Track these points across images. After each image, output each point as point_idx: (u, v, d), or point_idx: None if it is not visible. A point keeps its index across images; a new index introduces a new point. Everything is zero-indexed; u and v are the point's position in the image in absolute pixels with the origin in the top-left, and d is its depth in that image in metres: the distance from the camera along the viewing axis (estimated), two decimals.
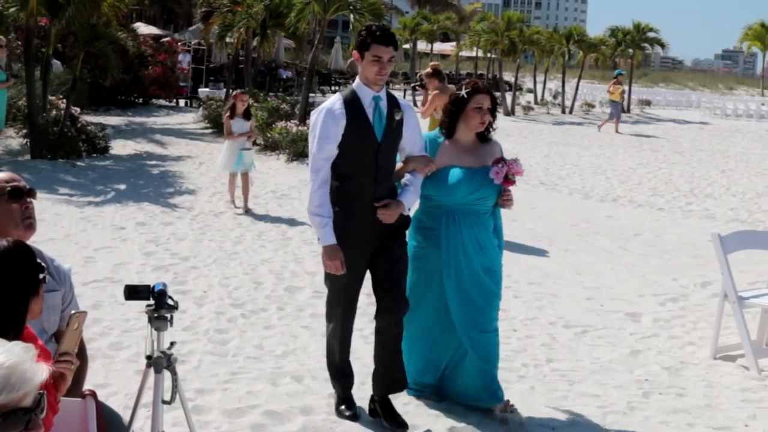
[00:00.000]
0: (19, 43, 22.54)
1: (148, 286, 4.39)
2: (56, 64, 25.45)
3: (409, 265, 6.41)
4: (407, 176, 6.32)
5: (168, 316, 4.37)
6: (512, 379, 7.32)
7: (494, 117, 6.59)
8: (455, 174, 6.38)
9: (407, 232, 6.45)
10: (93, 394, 4.08)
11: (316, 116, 6.09)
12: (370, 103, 6.06)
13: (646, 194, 17.98)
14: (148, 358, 4.33)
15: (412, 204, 6.33)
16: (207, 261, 10.92)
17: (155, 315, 4.36)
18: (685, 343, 8.49)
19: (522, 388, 7.17)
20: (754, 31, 62.92)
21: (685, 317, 9.36)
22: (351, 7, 20.02)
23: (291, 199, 15.43)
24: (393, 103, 6.16)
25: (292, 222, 13.48)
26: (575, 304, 9.74)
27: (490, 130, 6.64)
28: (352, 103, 6.03)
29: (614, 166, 22.58)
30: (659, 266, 11.71)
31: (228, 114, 14.46)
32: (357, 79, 6.12)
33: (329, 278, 6.31)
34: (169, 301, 4.39)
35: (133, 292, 4.41)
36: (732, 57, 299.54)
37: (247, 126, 14.58)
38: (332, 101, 6.09)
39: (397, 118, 6.12)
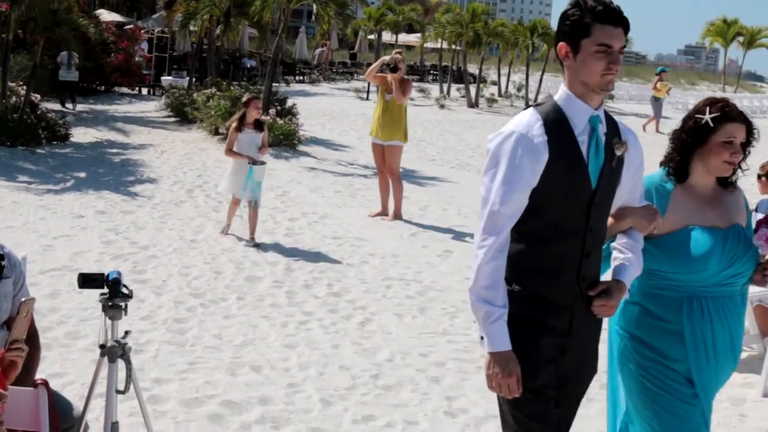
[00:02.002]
0: None
1: (103, 274, 4.32)
2: None
3: (626, 375, 4.57)
4: (621, 239, 4.11)
5: (122, 304, 4.30)
6: (471, 370, 7.32)
7: (746, 154, 4.47)
8: (701, 239, 4.31)
9: (614, 326, 4.57)
10: (45, 384, 4.02)
11: (498, 144, 3.84)
12: (585, 128, 3.89)
13: None
14: (102, 347, 4.26)
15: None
16: (167, 250, 10.83)
17: (109, 304, 4.29)
18: None
19: (481, 378, 7.09)
20: (716, 27, 63.24)
21: None
22: None
23: None
24: (612, 129, 3.98)
25: None
26: None
27: (738, 172, 4.52)
28: (558, 128, 3.84)
29: None
30: None
31: (235, 125, 11.72)
32: (562, 88, 3.93)
33: (510, 406, 4.00)
34: (124, 290, 4.31)
35: (87, 281, 4.34)
36: (695, 53, 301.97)
37: (257, 140, 11.71)
38: (526, 122, 3.85)
39: (619, 153, 3.94)
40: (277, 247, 11.28)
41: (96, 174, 16.11)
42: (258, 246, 11.22)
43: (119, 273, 4.36)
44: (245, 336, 7.90)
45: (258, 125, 11.77)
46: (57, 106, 24.92)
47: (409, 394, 6.79)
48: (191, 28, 30.08)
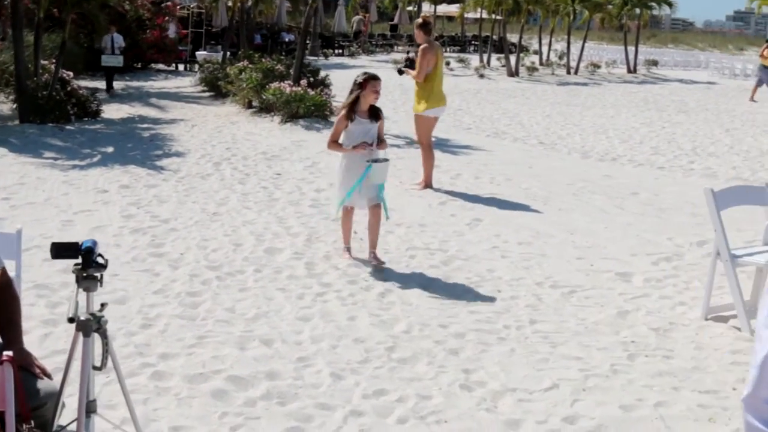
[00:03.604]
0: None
1: (76, 243, 4.05)
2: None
3: None
4: None
5: (97, 275, 4.02)
6: (492, 341, 7.01)
7: None
8: None
9: None
10: (11, 360, 3.76)
11: None
12: None
13: (647, 153, 17.56)
14: (71, 320, 3.99)
15: None
16: (188, 223, 10.59)
17: (83, 275, 4.01)
18: (676, 304, 8.14)
19: (501, 350, 6.84)
20: None
21: (678, 277, 9.01)
22: None
23: (281, 161, 15.05)
24: None
25: (279, 183, 13.12)
26: (565, 264, 9.39)
27: None
28: None
29: (617, 125, 22.14)
30: (655, 225, 11.34)
31: (345, 112, 9.18)
32: None
33: None
34: (99, 260, 4.03)
35: (60, 251, 4.07)
36: (744, 18, 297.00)
37: (372, 132, 9.13)
38: None
39: None
40: (301, 218, 11.00)
41: (123, 149, 15.91)
42: (381, 264, 9.07)
43: (94, 242, 4.08)
44: (259, 309, 7.62)
45: (374, 113, 9.20)
46: (91, 84, 24.74)
47: (425, 367, 6.48)
48: (228, 3, 29.82)
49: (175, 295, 7.94)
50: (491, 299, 8.12)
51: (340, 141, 9.17)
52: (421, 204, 12.06)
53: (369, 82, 9.14)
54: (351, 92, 9.22)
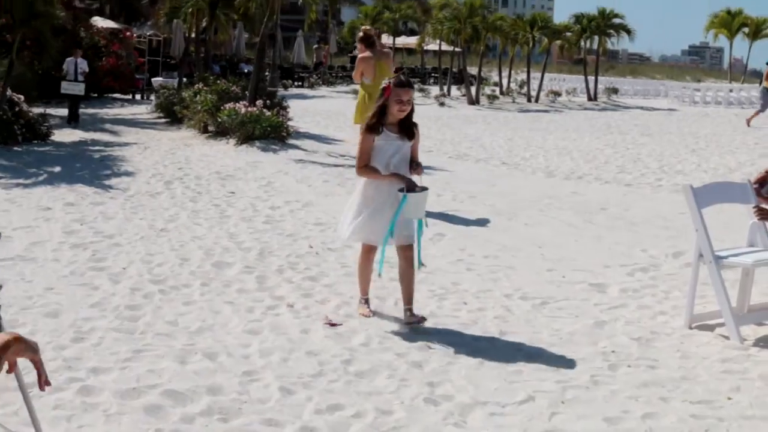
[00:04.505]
0: None
1: None
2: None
3: None
4: None
5: None
6: (459, 354, 6.39)
7: None
8: None
9: None
10: None
11: None
12: None
13: (613, 172, 17.05)
14: None
15: None
16: (133, 239, 9.93)
17: None
18: (657, 313, 7.57)
19: (470, 362, 6.23)
20: (720, 19, 62.19)
21: (656, 287, 8.44)
22: None
23: (236, 180, 14.39)
24: None
25: (232, 201, 12.45)
26: (534, 276, 8.81)
27: None
28: None
29: (580, 147, 21.66)
30: (627, 238, 10.79)
31: (368, 124, 7.11)
32: None
33: None
34: None
35: None
36: (699, 53, 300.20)
37: (405, 151, 7.06)
38: None
39: None
40: (254, 234, 10.36)
41: (72, 168, 15.24)
42: (423, 321, 7.09)
43: None
44: (203, 322, 6.97)
45: (406, 128, 7.08)
46: (47, 111, 23.90)
47: (385, 380, 5.85)
48: (182, 27, 29.28)
49: (112, 308, 7.28)
50: (456, 311, 7.52)
51: (372, 163, 7.04)
52: None
53: (395, 88, 6.95)
54: (375, 101, 7.30)
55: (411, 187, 6.93)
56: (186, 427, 5.04)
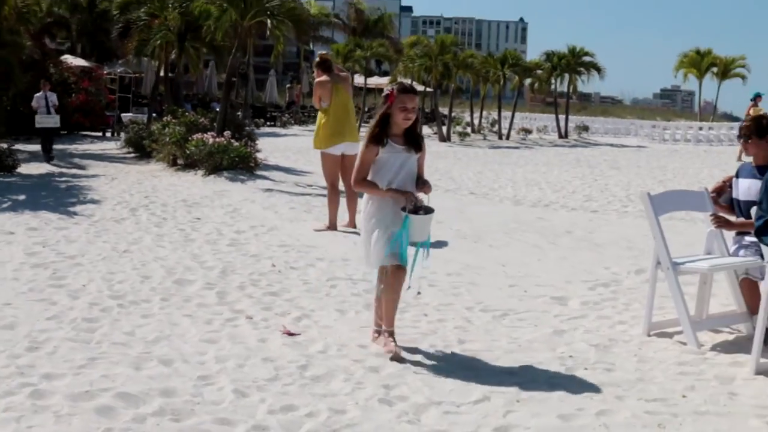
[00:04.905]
0: None
1: None
2: None
3: None
4: None
5: None
6: (417, 360, 6.37)
7: None
8: None
9: None
10: None
11: None
12: None
13: (580, 200, 17.13)
14: None
15: None
16: (95, 259, 9.86)
17: None
18: (616, 323, 7.58)
19: (427, 367, 6.20)
20: (690, 59, 62.74)
21: (616, 300, 8.45)
22: (269, 13, 19.04)
23: (202, 207, 14.33)
24: None
25: (197, 226, 12.38)
26: (496, 290, 8.80)
27: None
28: None
29: (549, 179, 21.76)
30: (590, 257, 10.81)
31: (371, 134, 6.46)
32: None
33: None
34: None
35: None
36: (670, 96, 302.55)
37: (411, 165, 6.47)
38: None
39: None
40: (218, 255, 10.31)
41: (37, 197, 15.17)
42: (398, 355, 6.39)
43: None
44: (161, 332, 6.92)
45: (412, 140, 6.48)
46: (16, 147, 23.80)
47: (341, 383, 5.82)
48: (153, 65, 29.30)
49: (69, 320, 7.23)
50: (417, 322, 7.50)
51: (370, 177, 6.46)
52: (345, 242, 11.42)
53: (399, 95, 6.36)
54: (378, 109, 6.67)
55: (415, 208, 6.31)
56: (137, 426, 4.99)
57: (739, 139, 7.50)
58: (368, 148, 6.41)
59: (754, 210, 6.44)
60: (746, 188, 7.17)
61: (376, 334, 6.69)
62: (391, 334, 6.51)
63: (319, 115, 12.54)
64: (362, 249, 6.66)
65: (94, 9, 41.44)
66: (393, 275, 6.40)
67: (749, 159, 7.51)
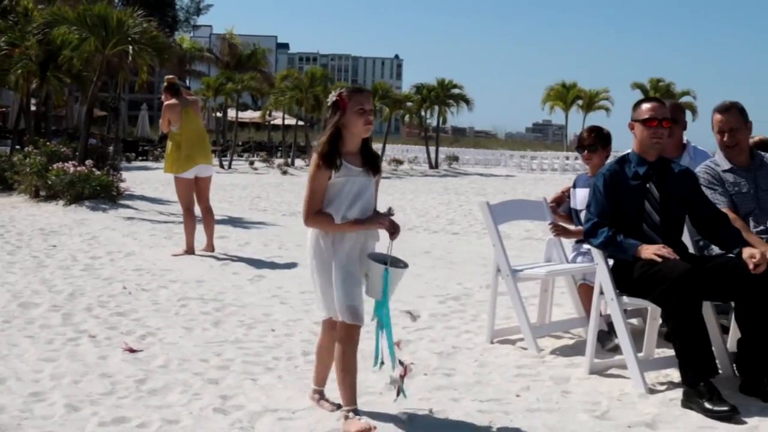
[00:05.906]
0: None
1: None
2: None
3: None
4: None
5: None
6: (258, 372, 6.34)
7: None
8: None
9: None
10: None
11: None
12: None
13: (443, 224, 17.34)
14: None
15: None
16: None
17: None
18: (462, 332, 7.67)
19: (268, 379, 6.17)
20: (556, 92, 64.33)
21: (465, 311, 8.58)
22: (131, 39, 18.83)
23: (60, 235, 14.00)
24: None
25: (52, 253, 12.09)
26: None
27: None
28: None
29: (415, 205, 21.97)
30: (445, 274, 10.95)
31: (320, 154, 5.11)
32: None
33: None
34: None
35: None
36: (542, 130, 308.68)
37: (369, 191, 5.29)
38: None
39: None
40: (69, 279, 10.10)
41: None
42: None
43: None
44: None
45: (369, 158, 5.27)
46: None
47: (178, 395, 5.74)
48: (16, 97, 28.65)
49: None
50: (263, 336, 7.47)
51: (326, 209, 5.18)
52: (201, 265, 11.32)
53: (352, 96, 5.13)
54: (325, 124, 5.29)
55: (382, 257, 5.27)
56: None
57: (580, 151, 7.62)
58: (318, 172, 5.09)
59: (583, 214, 6.60)
60: (583, 198, 7.34)
61: (317, 395, 5.60)
62: (356, 411, 5.17)
63: (169, 140, 12.35)
64: (319, 299, 5.45)
65: None
66: (347, 334, 5.32)
67: None
